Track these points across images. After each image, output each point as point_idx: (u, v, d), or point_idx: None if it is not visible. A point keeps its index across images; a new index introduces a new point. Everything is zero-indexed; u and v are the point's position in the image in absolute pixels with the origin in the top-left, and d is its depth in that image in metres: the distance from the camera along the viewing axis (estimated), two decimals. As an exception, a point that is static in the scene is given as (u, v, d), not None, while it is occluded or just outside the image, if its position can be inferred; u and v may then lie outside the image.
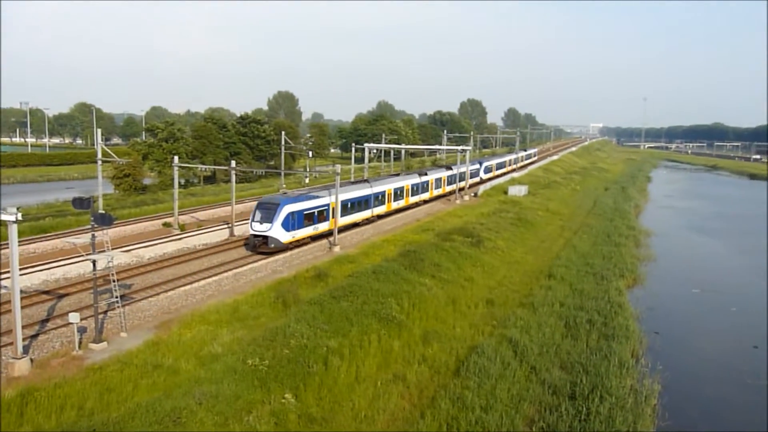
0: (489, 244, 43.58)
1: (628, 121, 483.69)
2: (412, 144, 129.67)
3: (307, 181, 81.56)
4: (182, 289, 29.86)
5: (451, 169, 73.56)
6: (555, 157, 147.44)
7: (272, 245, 38.04)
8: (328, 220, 43.01)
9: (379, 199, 52.22)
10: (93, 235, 23.20)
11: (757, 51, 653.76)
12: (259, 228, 38.36)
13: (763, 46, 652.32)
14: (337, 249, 40.09)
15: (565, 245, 47.64)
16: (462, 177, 73.91)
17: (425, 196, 63.91)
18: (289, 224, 38.76)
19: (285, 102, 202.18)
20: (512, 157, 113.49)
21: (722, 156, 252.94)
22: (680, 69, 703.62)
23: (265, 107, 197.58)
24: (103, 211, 40.10)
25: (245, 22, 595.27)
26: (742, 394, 24.68)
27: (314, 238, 42.17)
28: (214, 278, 31.99)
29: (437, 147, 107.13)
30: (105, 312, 25.49)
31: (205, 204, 58.76)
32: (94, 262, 23.37)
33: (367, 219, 50.28)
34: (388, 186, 54.55)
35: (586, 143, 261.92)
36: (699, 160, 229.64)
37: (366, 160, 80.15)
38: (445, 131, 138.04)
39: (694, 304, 37.97)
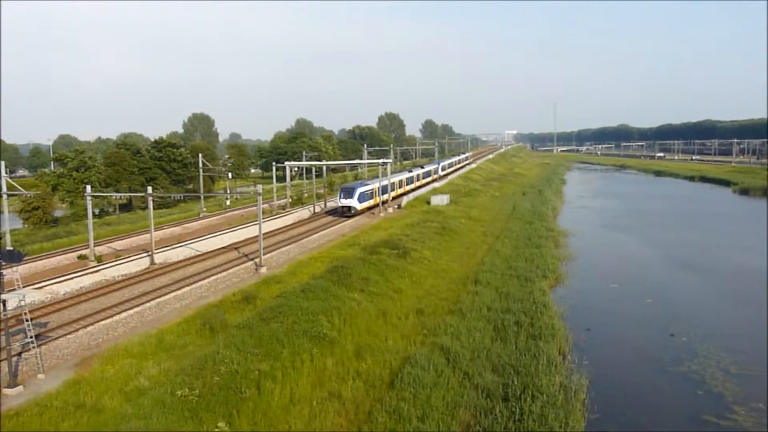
0: (415, 255, 44.03)
1: (540, 127, 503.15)
2: (333, 160, 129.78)
3: (228, 203, 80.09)
4: (102, 323, 28.60)
5: (423, 167, 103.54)
6: (473, 165, 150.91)
7: (353, 211, 65.56)
8: (375, 198, 70.55)
9: (395, 185, 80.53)
10: (1, 273, 21.92)
11: (655, 53, 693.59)
12: (345, 202, 65.88)
13: (661, 48, 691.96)
14: (263, 270, 39.50)
15: (489, 251, 48.72)
16: (433, 172, 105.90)
17: (418, 183, 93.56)
18: (362, 198, 66.53)
19: (201, 124, 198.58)
20: (456, 158, 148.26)
21: (629, 155, 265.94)
22: (585, 74, 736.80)
23: (181, 130, 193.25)
24: (11, 248, 37.95)
25: (155, 45, 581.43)
26: (662, 380, 25.84)
27: (370, 208, 69.33)
28: (136, 309, 30.83)
29: (358, 161, 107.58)
30: (19, 354, 24.06)
31: (123, 233, 56.66)
32: (3, 301, 22.06)
33: (392, 197, 76.05)
34: (400, 177, 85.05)
35: (502, 150, 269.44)
36: (608, 161, 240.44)
37: (288, 178, 79.55)
38: (366, 145, 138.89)
39: (613, 298, 39.53)
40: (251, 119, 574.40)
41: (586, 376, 24.69)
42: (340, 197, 67.10)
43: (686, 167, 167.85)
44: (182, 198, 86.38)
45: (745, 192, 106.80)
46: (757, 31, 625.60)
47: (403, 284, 37.11)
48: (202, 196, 76.63)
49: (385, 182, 73.21)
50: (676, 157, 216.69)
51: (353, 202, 65.59)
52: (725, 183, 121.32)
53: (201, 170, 78.67)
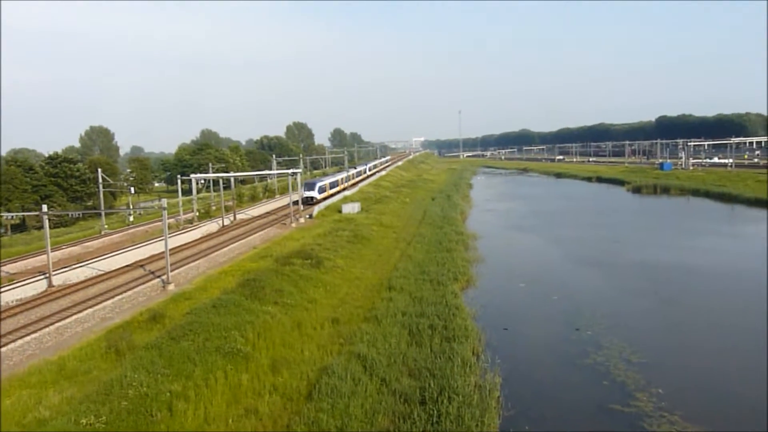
0: (329, 264, 43.85)
1: (446, 134, 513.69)
2: (241, 171, 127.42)
3: (131, 219, 76.95)
4: (-5, 353, 26.66)
5: (354, 168, 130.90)
6: (383, 173, 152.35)
7: (314, 200, 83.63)
8: (330, 190, 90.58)
9: (340, 182, 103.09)
10: None
11: (553, 60, 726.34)
12: (308, 193, 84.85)
13: (558, 55, 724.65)
14: (171, 287, 38.15)
15: (402, 256, 49.22)
16: (363, 172, 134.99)
17: (354, 180, 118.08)
18: (320, 191, 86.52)
19: (99, 138, 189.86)
20: (380, 161, 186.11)
21: (531, 159, 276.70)
22: (489, 81, 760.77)
23: (78, 145, 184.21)
24: None
25: (46, 55, 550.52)
26: (571, 373, 26.93)
27: (325, 198, 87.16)
28: (34, 336, 28.94)
29: (267, 172, 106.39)
30: None
31: (16, 255, 53.12)
32: None
33: (338, 191, 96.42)
34: (342, 176, 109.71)
35: (411, 157, 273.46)
36: (512, 165, 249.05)
37: (194, 191, 77.34)
38: (274, 155, 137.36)
39: (521, 296, 40.89)
40: (154, 131, 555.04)
41: (500, 375, 25.35)
42: (303, 190, 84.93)
43: (584, 169, 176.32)
44: (81, 216, 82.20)
45: (637, 190, 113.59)
46: (645, 36, 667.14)
47: (318, 294, 36.85)
48: (102, 213, 73.23)
49: (333, 179, 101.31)
50: (575, 160, 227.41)
51: (314, 193, 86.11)
52: (619, 182, 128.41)
53: (101, 186, 75.19)
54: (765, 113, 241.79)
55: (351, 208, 75.90)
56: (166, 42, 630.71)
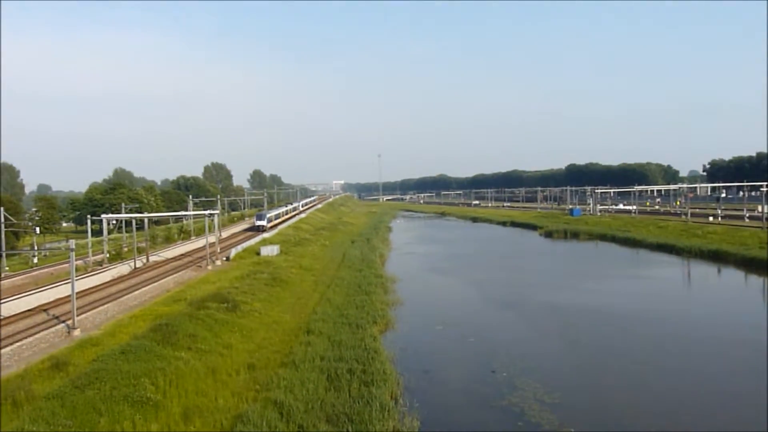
0: (246, 308, 42.94)
1: (366, 177, 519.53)
2: (156, 211, 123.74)
3: (35, 260, 72.94)
4: None
5: (291, 204, 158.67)
6: (303, 215, 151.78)
7: (262, 228, 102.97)
8: (275, 220, 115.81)
9: (281, 214, 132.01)
10: None
11: (464, 107, 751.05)
12: (258, 222, 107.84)
13: (474, 107, 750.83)
14: (77, 333, 36.22)
15: (321, 299, 48.86)
16: (298, 207, 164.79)
17: (292, 214, 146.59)
18: (268, 220, 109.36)
19: (3, 174, 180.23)
20: (310, 199, 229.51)
21: (449, 203, 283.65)
22: (406, 128, 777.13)
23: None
24: None
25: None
26: (487, 415, 27.25)
27: (273, 226, 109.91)
28: None
29: (183, 213, 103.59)
30: None
31: None
32: None
33: (280, 222, 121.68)
34: (283, 209, 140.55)
35: (331, 200, 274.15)
36: (430, 209, 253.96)
37: (104, 232, 74.32)
38: (191, 196, 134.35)
39: (439, 339, 41.32)
40: (63, 170, 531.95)
41: (418, 418, 25.37)
42: (255, 219, 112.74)
43: (499, 213, 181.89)
44: (-22, 257, 77.12)
45: (549, 235, 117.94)
46: (553, 95, 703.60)
47: (234, 339, 35.91)
48: (3, 254, 68.99)
49: (276, 212, 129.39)
50: (490, 204, 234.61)
51: (263, 222, 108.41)
52: (532, 227, 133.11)
53: (2, 225, 71.06)
54: (664, 164, 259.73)
55: (270, 251, 74.95)
56: (77, 78, 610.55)
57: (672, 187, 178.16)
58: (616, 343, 39.08)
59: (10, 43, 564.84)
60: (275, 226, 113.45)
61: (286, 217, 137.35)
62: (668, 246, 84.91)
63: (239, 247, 79.27)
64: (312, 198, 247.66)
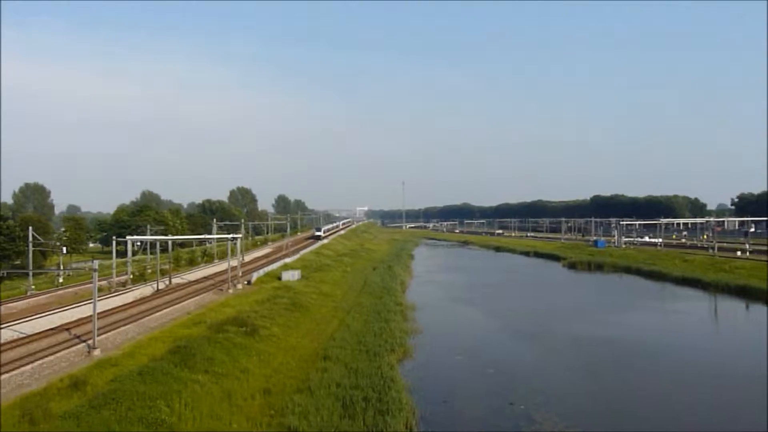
0: (264, 332, 42.99)
1: (390, 204, 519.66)
2: (181, 234, 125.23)
3: (61, 280, 74.06)
4: None
5: (320, 230, 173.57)
6: (325, 241, 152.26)
7: (320, 237, 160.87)
8: (327, 233, 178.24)
9: (330, 229, 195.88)
10: None
11: (489, 137, 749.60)
12: (317, 233, 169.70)
13: (493, 133, 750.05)
14: (97, 352, 36.54)
15: (339, 326, 48.76)
16: (338, 227, 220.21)
17: (336, 230, 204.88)
18: (324, 232, 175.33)
19: (34, 195, 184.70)
20: (342, 222, 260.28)
21: (471, 232, 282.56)
22: (431, 157, 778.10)
23: (10, 201, 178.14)
24: None
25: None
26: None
27: (327, 237, 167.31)
28: (-60, 403, 27.06)
29: (207, 236, 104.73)
30: None
31: (-70, 315, 50.09)
32: None
33: (331, 234, 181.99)
34: (330, 226, 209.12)
35: (354, 226, 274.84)
36: (453, 237, 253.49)
37: (129, 253, 75.29)
38: (215, 219, 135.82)
39: (458, 369, 40.88)
40: (92, 191, 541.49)
41: (432, 449, 25.06)
42: (315, 231, 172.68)
43: (522, 243, 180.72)
44: (6, 275, 78.58)
45: (572, 266, 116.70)
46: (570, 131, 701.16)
47: (251, 363, 35.93)
48: (30, 273, 70.17)
49: (326, 228, 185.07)
50: (513, 234, 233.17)
51: (320, 233, 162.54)
52: (556, 258, 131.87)
53: (30, 244, 72.42)
54: (691, 196, 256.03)
55: (291, 276, 75.17)
56: (110, 103, 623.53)
57: (699, 220, 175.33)
58: (638, 377, 38.31)
59: (51, 70, 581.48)
60: (329, 236, 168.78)
61: (334, 231, 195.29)
62: (694, 280, 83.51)
63: (261, 272, 79.66)
64: (346, 220, 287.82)
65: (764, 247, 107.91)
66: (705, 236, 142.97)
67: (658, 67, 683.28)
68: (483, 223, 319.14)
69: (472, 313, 63.66)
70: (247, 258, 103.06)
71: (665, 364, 41.32)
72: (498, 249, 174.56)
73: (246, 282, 72.55)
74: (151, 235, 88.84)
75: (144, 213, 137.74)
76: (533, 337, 50.77)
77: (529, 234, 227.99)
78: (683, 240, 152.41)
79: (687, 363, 41.53)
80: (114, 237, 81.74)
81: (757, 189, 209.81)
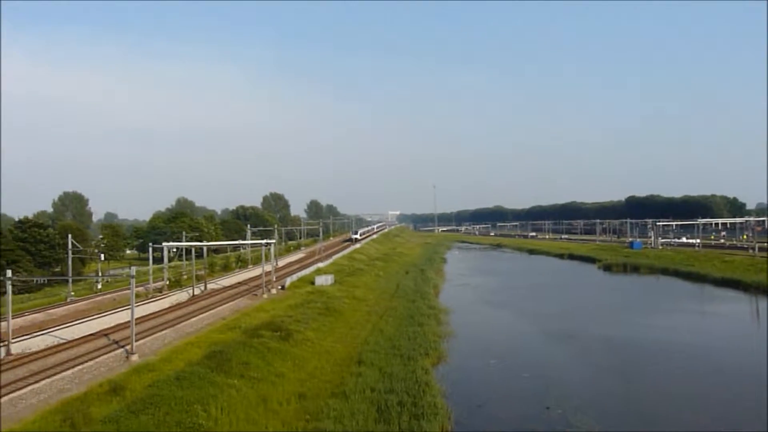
0: (298, 337, 43.21)
1: (422, 207, 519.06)
2: (215, 240, 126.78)
3: (99, 286, 75.50)
4: (-58, 425, 25.49)
5: (356, 233, 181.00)
6: (358, 246, 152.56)
7: (354, 240, 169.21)
8: (363, 235, 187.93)
9: (366, 232, 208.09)
10: None
11: (518, 143, 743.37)
12: (353, 236, 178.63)
13: (533, 137, 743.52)
14: (135, 358, 37.11)
15: (373, 330, 48.73)
16: (373, 230, 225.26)
17: (372, 232, 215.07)
18: (361, 234, 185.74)
19: (73, 203, 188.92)
20: (377, 225, 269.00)
21: (504, 235, 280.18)
22: (463, 159, 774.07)
23: (50, 209, 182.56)
24: None
25: (21, 123, 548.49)
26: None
27: (363, 239, 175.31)
28: (-14, 407, 27.75)
29: (241, 242, 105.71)
30: None
31: (-25, 322, 51.47)
32: None
33: (366, 236, 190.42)
34: (367, 229, 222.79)
35: (386, 230, 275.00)
36: (486, 240, 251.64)
37: (165, 259, 76.46)
38: (249, 225, 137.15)
39: (492, 373, 40.46)
40: (129, 198, 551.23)
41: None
42: (351, 234, 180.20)
43: (556, 245, 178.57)
44: (46, 282, 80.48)
45: (608, 268, 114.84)
46: (602, 128, 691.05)
47: (286, 368, 36.12)
48: (70, 280, 71.71)
49: (363, 230, 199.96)
50: (547, 236, 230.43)
51: (357, 236, 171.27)
52: (591, 260, 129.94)
53: (70, 252, 74.05)
54: (729, 196, 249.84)
55: (324, 280, 75.47)
56: (145, 111, 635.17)
57: (738, 220, 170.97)
58: (676, 380, 37.47)
59: (87, 82, 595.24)
60: (364, 238, 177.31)
61: (369, 233, 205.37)
62: (734, 281, 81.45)
63: (294, 276, 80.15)
64: (381, 223, 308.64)
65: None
66: (745, 236, 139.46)
67: (701, 62, 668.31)
68: (516, 225, 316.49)
69: (506, 317, 63.03)
70: (281, 263, 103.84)
71: (703, 367, 40.34)
72: (531, 251, 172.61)
73: (280, 287, 73.03)
74: (187, 241, 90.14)
75: (179, 219, 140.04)
76: (569, 340, 50.00)
77: (563, 236, 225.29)
78: (722, 240, 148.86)
79: (726, 366, 40.46)
80: (150, 244, 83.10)
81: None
